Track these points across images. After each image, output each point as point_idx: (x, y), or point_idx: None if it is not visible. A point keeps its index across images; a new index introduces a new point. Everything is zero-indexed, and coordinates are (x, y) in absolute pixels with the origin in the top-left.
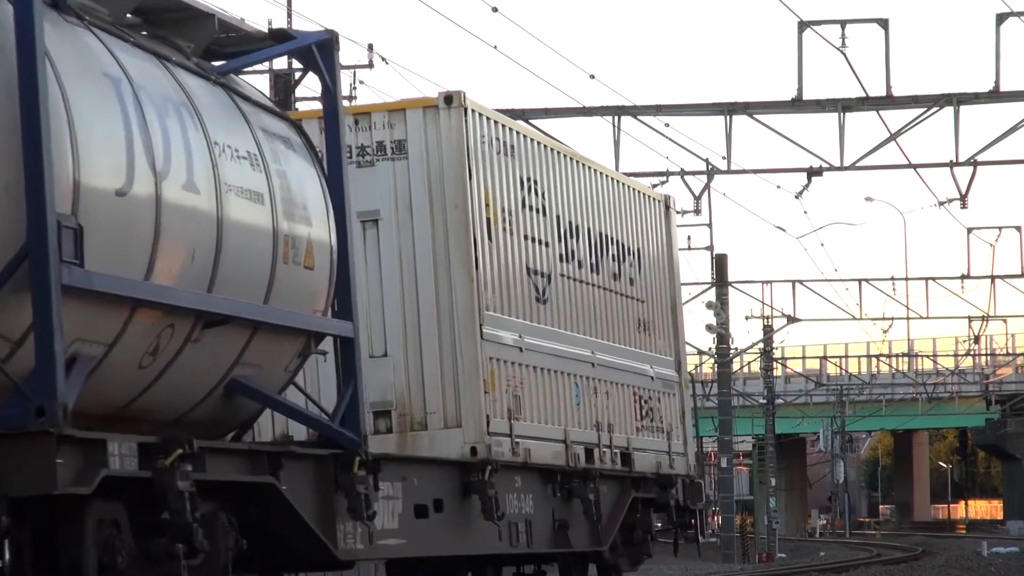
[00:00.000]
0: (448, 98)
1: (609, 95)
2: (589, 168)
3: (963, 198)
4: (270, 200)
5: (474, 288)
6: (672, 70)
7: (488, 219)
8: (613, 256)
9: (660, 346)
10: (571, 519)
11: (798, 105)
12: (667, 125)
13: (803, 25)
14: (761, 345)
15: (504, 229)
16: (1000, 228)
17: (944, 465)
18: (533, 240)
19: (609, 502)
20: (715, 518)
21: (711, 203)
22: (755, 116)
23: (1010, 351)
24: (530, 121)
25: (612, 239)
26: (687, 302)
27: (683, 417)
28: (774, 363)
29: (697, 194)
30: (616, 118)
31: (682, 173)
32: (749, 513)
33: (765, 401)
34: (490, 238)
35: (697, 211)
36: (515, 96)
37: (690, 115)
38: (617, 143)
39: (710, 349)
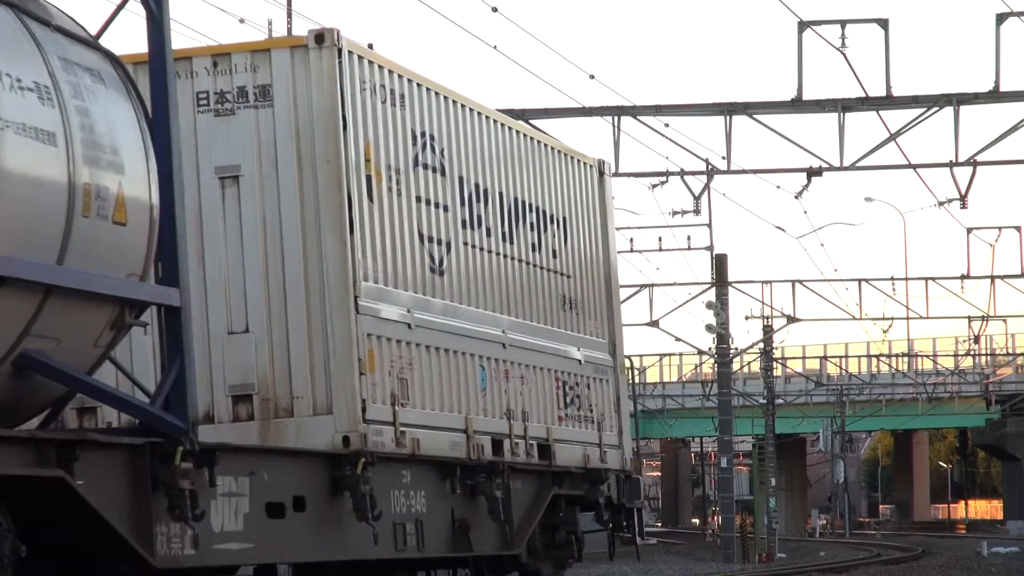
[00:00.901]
0: (319, 36)
1: (609, 95)
2: (502, 125)
3: (963, 198)
4: (66, 141)
5: (348, 255)
6: (672, 70)
7: (369, 177)
8: (532, 225)
9: (591, 327)
10: (474, 519)
11: (798, 105)
12: (667, 125)
13: (803, 25)
14: (761, 345)
15: (390, 189)
16: (1000, 228)
17: (944, 465)
18: (428, 203)
19: (524, 500)
20: (715, 518)
21: (711, 203)
22: (755, 116)
23: (1010, 351)
24: (530, 121)
25: (531, 206)
26: (687, 302)
27: (618, 406)
28: (774, 363)
29: (697, 194)
30: (616, 118)
31: (682, 173)
32: (749, 513)
33: (765, 401)
34: (371, 199)
35: (697, 211)
36: (515, 96)
37: (690, 115)
38: (617, 143)
39: (710, 349)
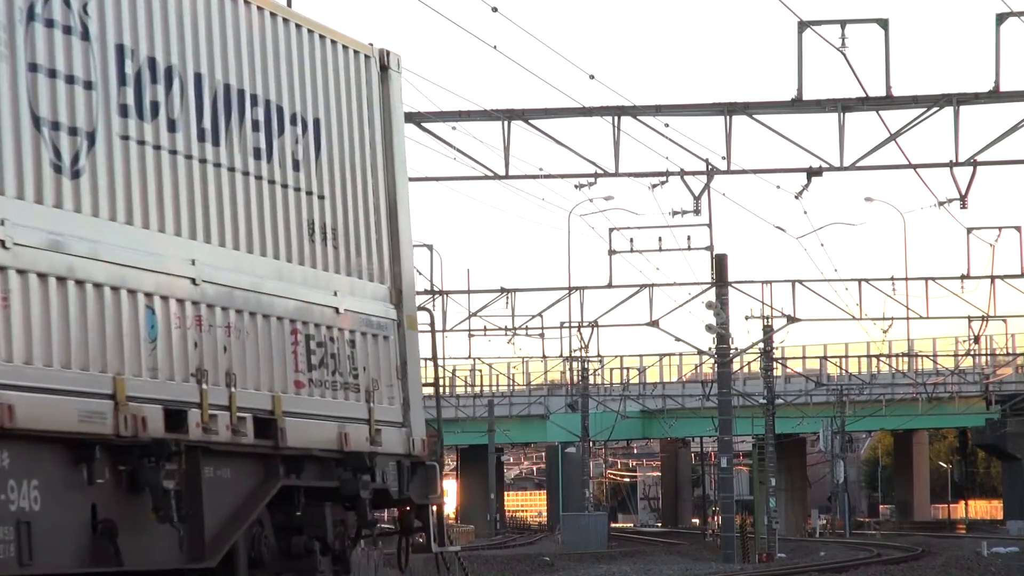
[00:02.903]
0: None
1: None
2: None
3: (963, 198)
4: None
5: None
6: (672, 70)
7: None
8: (257, 124)
9: (360, 266)
10: (130, 520)
11: (798, 105)
12: (667, 125)
13: (803, 25)
14: (761, 345)
15: None
16: (1000, 228)
17: (944, 465)
18: (53, 75)
19: (226, 493)
20: (715, 518)
21: (711, 203)
22: (755, 116)
23: (1010, 351)
24: (530, 121)
25: (256, 99)
26: (687, 302)
27: (403, 372)
28: (774, 363)
29: (697, 194)
30: (616, 118)
31: (682, 173)
32: (749, 513)
33: (765, 401)
34: None
35: (697, 211)
36: (515, 96)
37: (690, 115)
38: (617, 143)
39: (710, 349)
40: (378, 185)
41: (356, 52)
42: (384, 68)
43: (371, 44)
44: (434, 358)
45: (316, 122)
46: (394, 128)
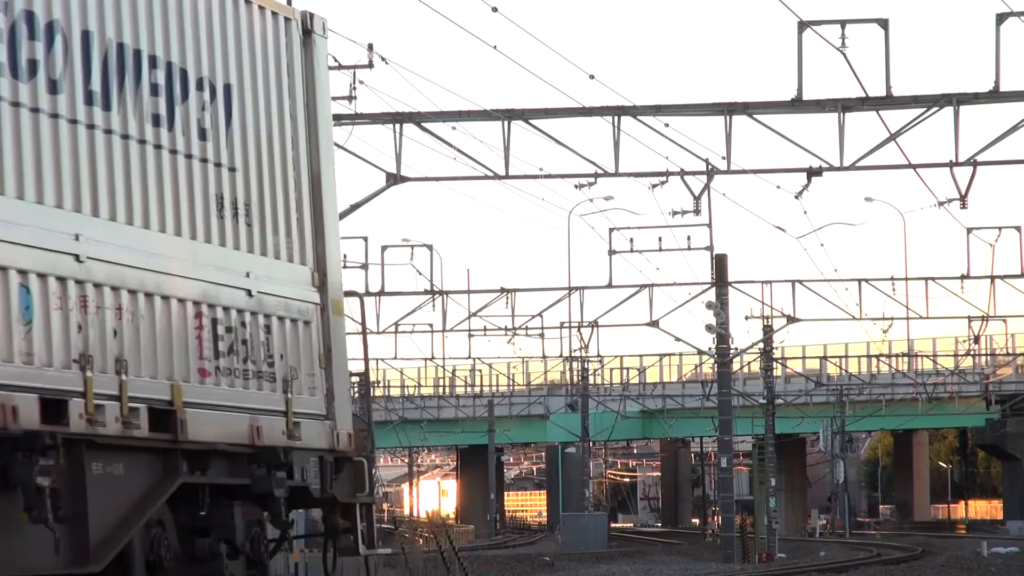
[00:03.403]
0: None
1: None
2: None
3: (963, 198)
4: None
5: None
6: (672, 70)
7: None
8: (156, 88)
9: (277, 246)
10: None
11: (798, 105)
12: (667, 125)
13: (803, 25)
14: (761, 345)
15: None
16: (1000, 228)
17: (944, 465)
18: None
19: (117, 491)
20: (715, 518)
21: (711, 203)
22: (755, 116)
23: (1010, 351)
24: (530, 121)
25: (157, 60)
26: (687, 302)
27: (328, 361)
28: (774, 363)
29: (697, 194)
30: (616, 118)
31: (682, 173)
32: (749, 513)
33: (765, 401)
34: None
35: (697, 211)
36: (515, 96)
37: (690, 115)
38: (617, 143)
39: (710, 349)
40: (299, 158)
41: (275, 13)
42: (307, 32)
43: (291, 6)
44: (364, 345)
45: (227, 88)
46: (318, 97)
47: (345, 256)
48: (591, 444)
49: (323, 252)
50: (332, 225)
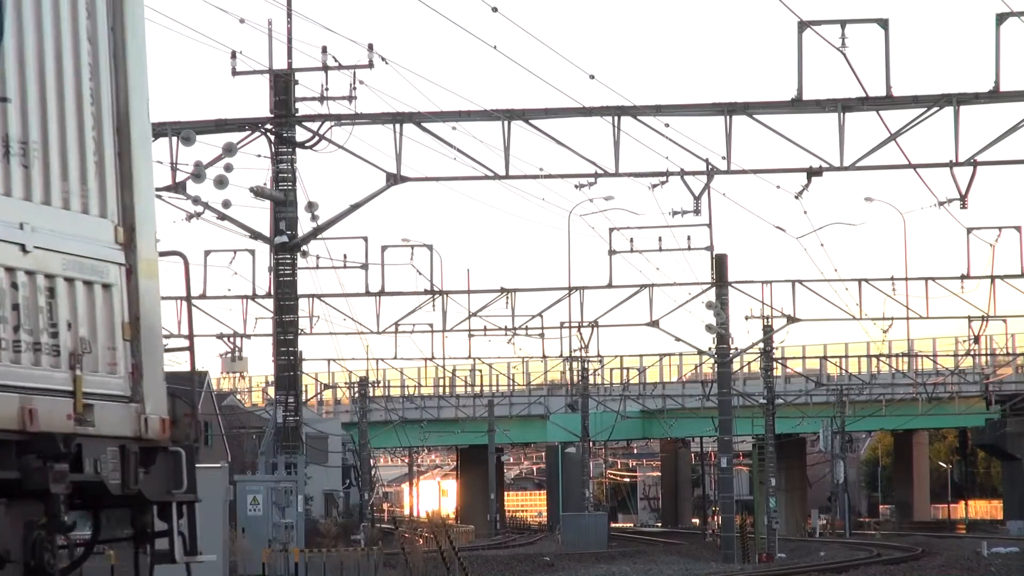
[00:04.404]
0: None
1: (609, 95)
2: None
3: (963, 198)
4: None
5: None
6: (672, 70)
7: None
8: None
9: (65, 193)
10: None
11: (798, 105)
12: (667, 125)
13: (803, 25)
14: (761, 345)
15: None
16: (1000, 228)
17: (944, 465)
18: None
19: None
20: (715, 518)
21: (711, 203)
22: (755, 116)
23: (1010, 351)
24: (530, 121)
25: None
26: (687, 302)
27: (136, 332)
28: (774, 363)
29: (697, 194)
30: (616, 118)
31: (682, 173)
32: (749, 513)
33: (765, 401)
34: None
35: (697, 211)
36: (515, 96)
37: (690, 115)
38: (617, 143)
39: (710, 349)
40: (99, 90)
41: None
42: None
43: None
44: (189, 310)
45: None
46: (127, 19)
47: (345, 256)
48: (591, 444)
49: (131, 203)
50: (144, 172)
